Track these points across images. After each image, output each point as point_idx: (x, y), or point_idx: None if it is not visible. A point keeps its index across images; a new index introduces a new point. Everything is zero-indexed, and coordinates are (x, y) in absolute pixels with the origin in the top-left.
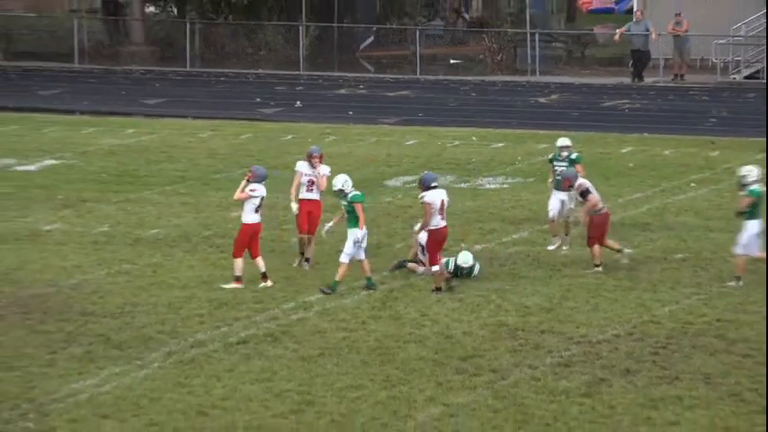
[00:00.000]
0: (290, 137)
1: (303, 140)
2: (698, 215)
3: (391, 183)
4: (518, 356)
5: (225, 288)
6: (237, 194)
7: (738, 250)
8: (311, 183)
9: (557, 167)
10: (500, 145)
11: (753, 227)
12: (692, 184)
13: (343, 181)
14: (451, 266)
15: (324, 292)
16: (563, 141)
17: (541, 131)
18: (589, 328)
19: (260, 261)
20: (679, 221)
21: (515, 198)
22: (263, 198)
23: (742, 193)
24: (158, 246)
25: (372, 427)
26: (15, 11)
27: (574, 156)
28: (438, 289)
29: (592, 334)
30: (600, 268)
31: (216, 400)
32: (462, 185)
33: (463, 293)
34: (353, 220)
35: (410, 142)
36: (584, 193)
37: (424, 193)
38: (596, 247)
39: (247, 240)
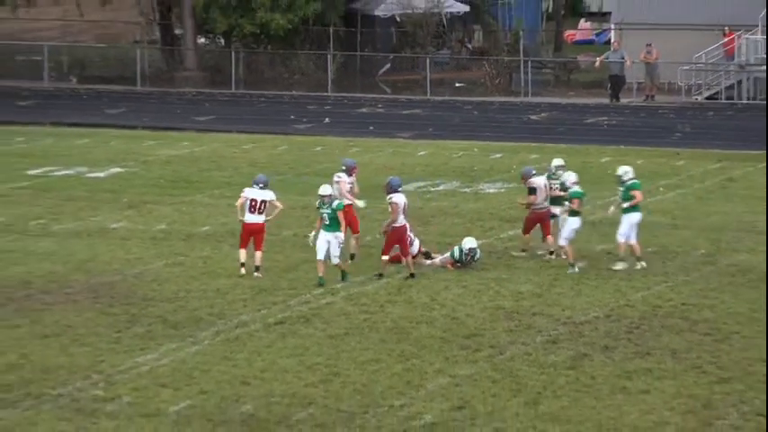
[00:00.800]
0: (319, 148)
1: (331, 151)
2: (665, 215)
3: (405, 188)
4: (513, 335)
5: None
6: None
7: (564, 242)
8: (351, 189)
9: (552, 184)
10: (498, 155)
11: (634, 218)
12: (661, 189)
13: (330, 190)
14: (457, 254)
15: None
16: (557, 161)
17: (533, 144)
18: (573, 310)
19: (258, 255)
20: (650, 220)
21: (511, 200)
22: (253, 200)
23: (620, 188)
24: (208, 241)
25: (390, 394)
26: (88, 42)
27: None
28: (380, 275)
29: (576, 316)
30: (551, 256)
31: (256, 371)
32: (466, 190)
33: (466, 282)
34: (336, 226)
35: (421, 153)
36: (530, 191)
37: (391, 195)
38: (527, 236)
39: (246, 236)
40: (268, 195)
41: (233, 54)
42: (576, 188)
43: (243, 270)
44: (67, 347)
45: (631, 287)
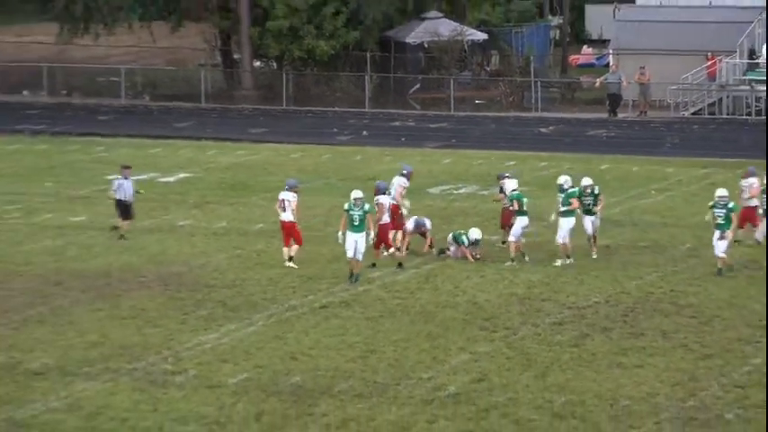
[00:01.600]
0: (358, 157)
1: (368, 159)
2: (656, 214)
3: (432, 190)
4: (525, 317)
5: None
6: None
7: (512, 239)
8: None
9: (716, 214)
10: (512, 163)
11: (571, 222)
12: (653, 192)
13: (361, 195)
14: (465, 241)
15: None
16: (586, 181)
17: (543, 153)
18: (577, 297)
19: (294, 247)
20: (643, 219)
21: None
22: (284, 200)
23: (561, 195)
24: (262, 236)
25: (419, 368)
26: (159, 65)
27: (731, 205)
28: (373, 264)
29: (579, 301)
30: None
31: (304, 348)
32: (484, 193)
33: (485, 272)
34: (364, 226)
35: (446, 161)
36: (501, 189)
37: (378, 197)
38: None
39: (284, 232)
40: (289, 196)
41: (284, 75)
42: (517, 192)
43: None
44: (141, 328)
45: (627, 276)
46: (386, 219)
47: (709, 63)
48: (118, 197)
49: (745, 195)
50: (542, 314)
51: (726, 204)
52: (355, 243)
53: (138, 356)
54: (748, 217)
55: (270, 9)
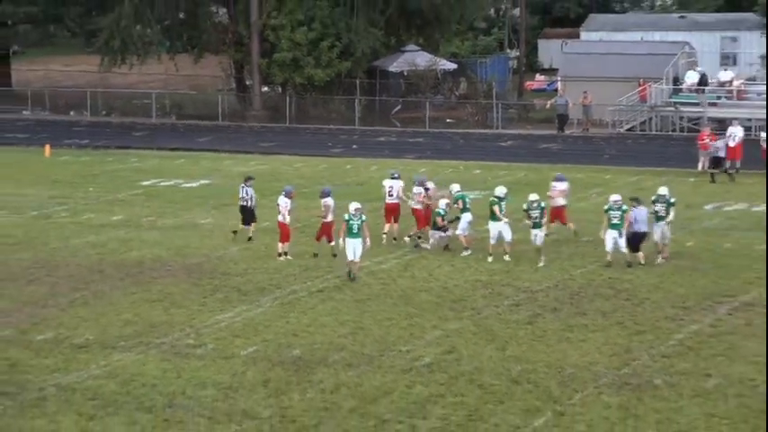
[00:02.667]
0: (349, 166)
1: (357, 168)
2: (597, 213)
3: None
4: (488, 300)
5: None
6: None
7: (460, 232)
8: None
9: (612, 215)
10: (477, 171)
11: (468, 217)
12: (594, 195)
13: (359, 206)
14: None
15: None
16: (533, 196)
17: (503, 163)
18: (531, 282)
19: (286, 244)
20: (586, 217)
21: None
22: (278, 205)
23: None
24: (268, 233)
25: (399, 342)
26: (183, 90)
27: (624, 207)
28: (315, 255)
29: (533, 286)
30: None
31: (303, 326)
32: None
33: (454, 262)
34: (360, 234)
35: (422, 170)
36: (426, 189)
37: (324, 199)
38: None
39: (280, 232)
40: (282, 201)
41: (287, 98)
42: (461, 193)
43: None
44: (168, 309)
45: (572, 266)
46: (330, 217)
47: (641, 88)
48: (242, 204)
49: (554, 196)
50: (502, 297)
51: (620, 207)
52: (354, 248)
53: (165, 332)
54: (557, 215)
55: (276, 43)
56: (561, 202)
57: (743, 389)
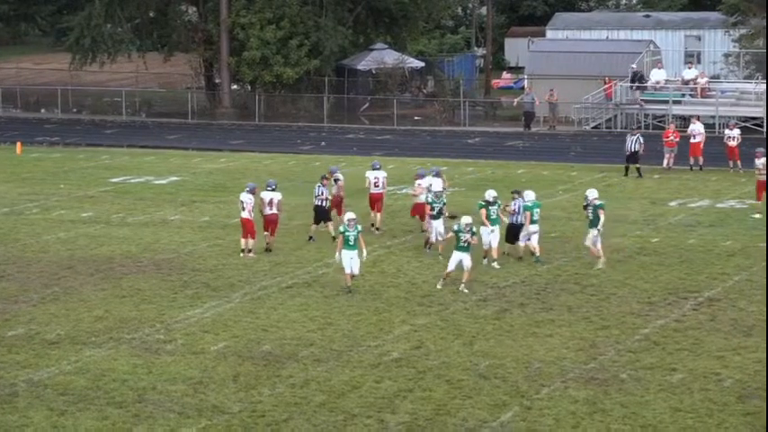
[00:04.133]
0: (317, 163)
1: (326, 165)
2: (563, 210)
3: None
4: (455, 296)
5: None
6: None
7: (439, 238)
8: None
9: (588, 213)
10: (444, 168)
11: (439, 224)
12: (560, 192)
13: (354, 217)
14: (456, 227)
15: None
16: (593, 194)
17: (469, 160)
18: (498, 278)
19: (250, 240)
20: (552, 214)
21: (453, 200)
22: (243, 201)
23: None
24: (238, 229)
25: (368, 337)
26: (153, 88)
27: (597, 203)
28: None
29: (500, 282)
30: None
31: (273, 322)
32: None
33: (422, 259)
34: (357, 245)
35: (390, 166)
36: (336, 180)
37: (263, 193)
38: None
39: (243, 228)
40: (247, 198)
41: (256, 96)
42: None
43: (245, 254)
44: (138, 305)
45: (539, 262)
46: (268, 210)
47: (606, 86)
48: (316, 203)
49: (417, 192)
50: (470, 293)
51: (594, 206)
52: (350, 260)
53: (136, 328)
54: (418, 210)
55: (245, 42)
56: (422, 198)
57: (708, 383)
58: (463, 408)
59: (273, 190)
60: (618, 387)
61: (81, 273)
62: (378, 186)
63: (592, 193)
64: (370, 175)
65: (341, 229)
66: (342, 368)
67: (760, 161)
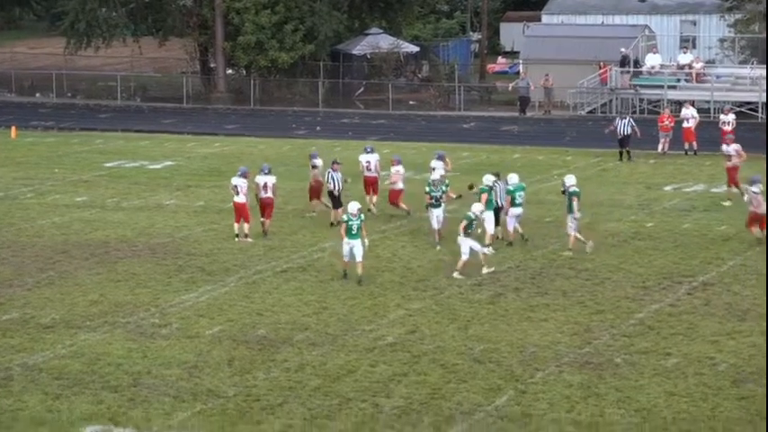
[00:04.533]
0: (313, 148)
1: (321, 150)
2: (558, 195)
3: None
4: (450, 280)
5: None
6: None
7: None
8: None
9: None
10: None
11: (439, 213)
12: (555, 176)
13: (359, 206)
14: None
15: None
16: (570, 180)
17: (465, 145)
18: (493, 263)
19: (244, 225)
20: (547, 199)
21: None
22: (236, 186)
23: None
24: (233, 213)
25: (363, 322)
26: (148, 72)
27: (571, 190)
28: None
29: (495, 266)
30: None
31: (268, 306)
32: (417, 177)
33: (417, 243)
34: (359, 234)
35: (385, 151)
36: (313, 166)
37: (258, 177)
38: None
39: (236, 212)
40: (240, 182)
41: (251, 81)
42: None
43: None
44: (133, 289)
45: (534, 246)
46: (264, 194)
47: (601, 71)
48: (330, 188)
49: (393, 180)
50: (465, 277)
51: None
52: (351, 248)
53: (131, 312)
54: (393, 198)
55: (240, 26)
56: (400, 185)
57: (702, 367)
58: (458, 392)
59: (268, 174)
60: (612, 371)
61: (76, 257)
62: (370, 170)
63: (569, 180)
64: (363, 158)
65: (344, 217)
66: (337, 352)
67: (730, 147)
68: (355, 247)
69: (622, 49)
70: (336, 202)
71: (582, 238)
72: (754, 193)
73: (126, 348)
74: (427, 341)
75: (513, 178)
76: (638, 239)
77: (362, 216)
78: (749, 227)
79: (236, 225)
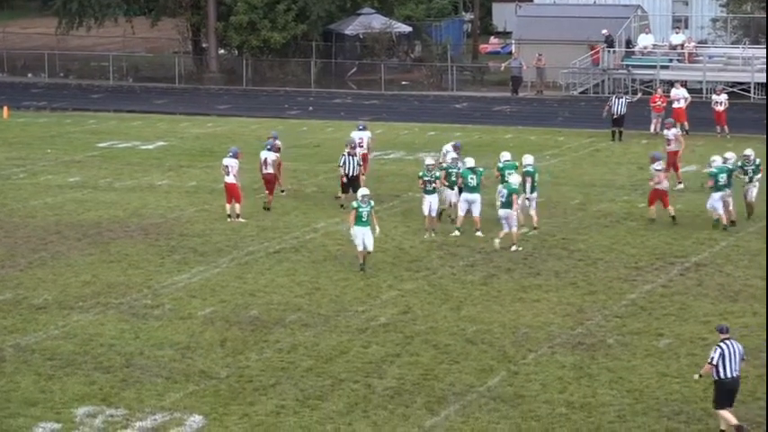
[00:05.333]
0: (305, 128)
1: (313, 130)
2: (550, 175)
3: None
4: (443, 261)
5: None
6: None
7: (433, 214)
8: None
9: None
10: (432, 133)
11: (434, 199)
12: (547, 156)
13: (368, 192)
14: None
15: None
16: (527, 159)
17: (457, 125)
18: (485, 243)
19: (236, 206)
20: (541, 179)
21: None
22: (227, 166)
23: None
24: (224, 194)
25: (355, 303)
26: (140, 53)
27: (526, 170)
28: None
29: (487, 247)
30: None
31: (260, 287)
32: (409, 158)
33: (410, 224)
34: (369, 221)
35: (378, 131)
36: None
37: (261, 152)
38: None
39: (227, 193)
40: (232, 162)
41: (244, 61)
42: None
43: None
44: (126, 270)
45: (525, 227)
46: (265, 170)
47: (594, 51)
48: (344, 172)
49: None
50: (457, 258)
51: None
52: (363, 236)
53: (123, 293)
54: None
55: (233, 6)
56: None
57: (694, 348)
58: (450, 373)
59: (270, 150)
60: (605, 352)
61: (68, 238)
62: (362, 147)
63: (526, 159)
64: (355, 135)
65: (353, 204)
66: (329, 333)
67: (671, 132)
68: (366, 236)
69: (604, 31)
70: (350, 185)
71: (534, 221)
72: (656, 170)
73: (118, 329)
74: (420, 322)
75: (505, 155)
76: (631, 220)
77: (372, 202)
78: (650, 205)
79: (227, 206)
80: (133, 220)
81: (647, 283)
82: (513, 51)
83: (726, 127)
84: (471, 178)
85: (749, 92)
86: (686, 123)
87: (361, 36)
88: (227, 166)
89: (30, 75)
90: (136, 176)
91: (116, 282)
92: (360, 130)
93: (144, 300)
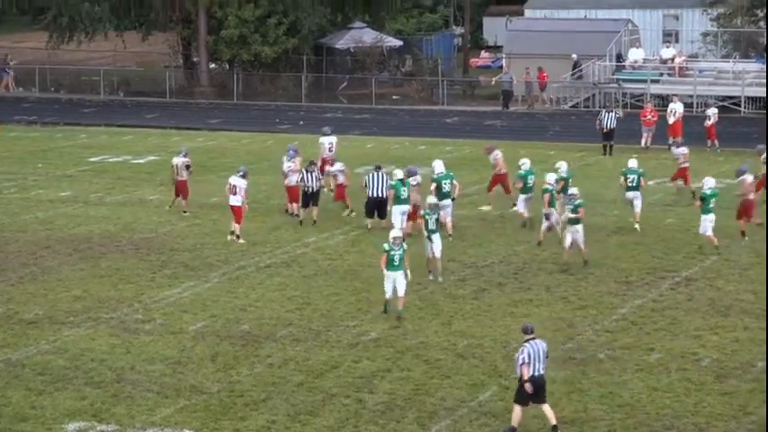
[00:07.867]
0: (296, 142)
1: (304, 144)
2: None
3: (358, 170)
4: (433, 275)
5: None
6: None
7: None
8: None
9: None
10: (422, 147)
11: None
12: (538, 171)
13: (400, 234)
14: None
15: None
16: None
17: (448, 140)
18: (476, 258)
19: (236, 226)
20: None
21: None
22: (234, 186)
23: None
24: (216, 208)
25: (346, 317)
26: (131, 67)
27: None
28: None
29: (478, 261)
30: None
31: (251, 301)
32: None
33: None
34: (402, 265)
35: (369, 146)
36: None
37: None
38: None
39: (232, 212)
40: (239, 182)
41: (235, 75)
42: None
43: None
44: (117, 284)
45: (516, 241)
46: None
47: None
48: (369, 193)
49: (294, 169)
50: (448, 272)
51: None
52: (394, 281)
53: (114, 308)
54: (293, 195)
55: (223, 20)
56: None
57: (685, 363)
58: (441, 387)
59: (291, 161)
60: (595, 367)
61: (59, 252)
62: (332, 151)
63: (438, 165)
64: (325, 140)
65: (385, 246)
66: (320, 348)
67: (678, 150)
68: (398, 280)
69: (573, 56)
70: (307, 200)
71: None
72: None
73: (109, 344)
74: (411, 337)
75: (496, 154)
76: (621, 234)
77: (405, 245)
78: (738, 219)
79: (236, 226)
80: (124, 235)
81: (637, 297)
82: (504, 66)
83: (716, 141)
84: (445, 184)
85: (739, 106)
86: (679, 138)
87: (352, 50)
88: (234, 186)
89: (20, 89)
90: (127, 191)
91: (107, 296)
92: (327, 135)
93: (135, 315)
